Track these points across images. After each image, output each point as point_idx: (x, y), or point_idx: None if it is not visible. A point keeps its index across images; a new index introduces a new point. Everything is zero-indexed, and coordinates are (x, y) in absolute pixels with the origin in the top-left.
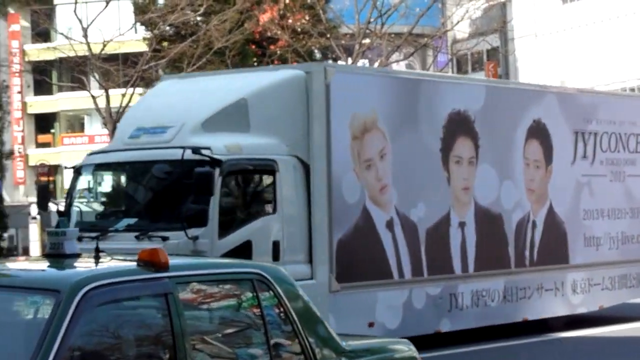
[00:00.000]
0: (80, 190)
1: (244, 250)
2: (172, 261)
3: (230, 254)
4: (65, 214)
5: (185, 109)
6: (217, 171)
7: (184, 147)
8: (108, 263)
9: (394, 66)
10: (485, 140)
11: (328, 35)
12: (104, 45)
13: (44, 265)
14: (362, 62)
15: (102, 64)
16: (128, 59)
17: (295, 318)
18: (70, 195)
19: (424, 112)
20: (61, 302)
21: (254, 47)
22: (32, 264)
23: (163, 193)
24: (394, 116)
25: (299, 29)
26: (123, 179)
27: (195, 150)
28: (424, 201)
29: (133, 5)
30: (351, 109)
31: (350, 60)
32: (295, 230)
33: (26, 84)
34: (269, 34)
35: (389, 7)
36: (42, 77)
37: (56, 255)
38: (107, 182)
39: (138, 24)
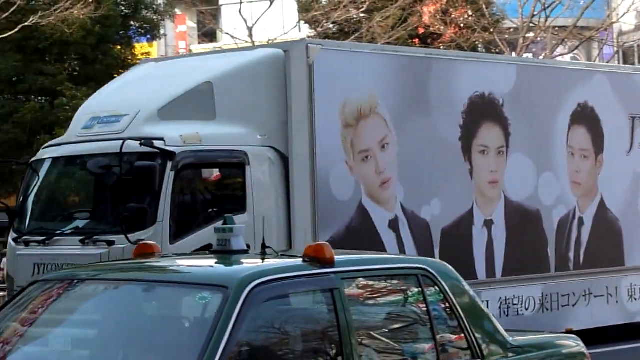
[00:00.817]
0: (33, 188)
1: None
2: (338, 257)
3: None
4: (18, 214)
5: (144, 95)
6: (169, 165)
7: (123, 139)
8: (274, 259)
9: (558, 60)
10: (518, 127)
11: (491, 30)
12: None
13: (212, 261)
14: (527, 56)
15: None
16: None
17: (461, 313)
18: (24, 192)
19: (437, 96)
20: (229, 298)
21: (417, 42)
22: (200, 260)
23: (109, 191)
24: (399, 101)
25: (462, 24)
26: (73, 174)
27: (145, 141)
28: (439, 197)
29: (297, 4)
30: (342, 92)
31: (514, 55)
32: (271, 232)
33: None
34: (432, 29)
35: (553, 0)
36: None
37: (224, 251)
38: (58, 179)
39: (302, 22)
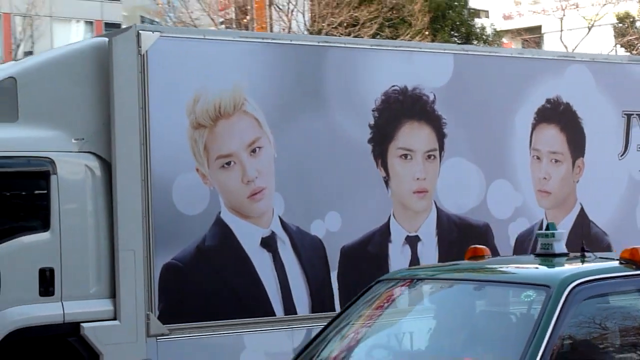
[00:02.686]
0: None
1: None
2: None
3: None
4: None
5: None
6: None
7: None
8: (593, 261)
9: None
10: (457, 127)
11: None
12: None
13: (536, 263)
14: None
15: None
16: None
17: None
18: None
19: (336, 91)
20: (551, 296)
21: None
22: (525, 263)
23: None
24: (280, 97)
25: None
26: None
27: None
28: (337, 210)
29: (613, 30)
30: (192, 87)
31: None
32: (85, 253)
33: None
34: None
35: None
36: None
37: (546, 254)
38: None
39: (618, 46)
